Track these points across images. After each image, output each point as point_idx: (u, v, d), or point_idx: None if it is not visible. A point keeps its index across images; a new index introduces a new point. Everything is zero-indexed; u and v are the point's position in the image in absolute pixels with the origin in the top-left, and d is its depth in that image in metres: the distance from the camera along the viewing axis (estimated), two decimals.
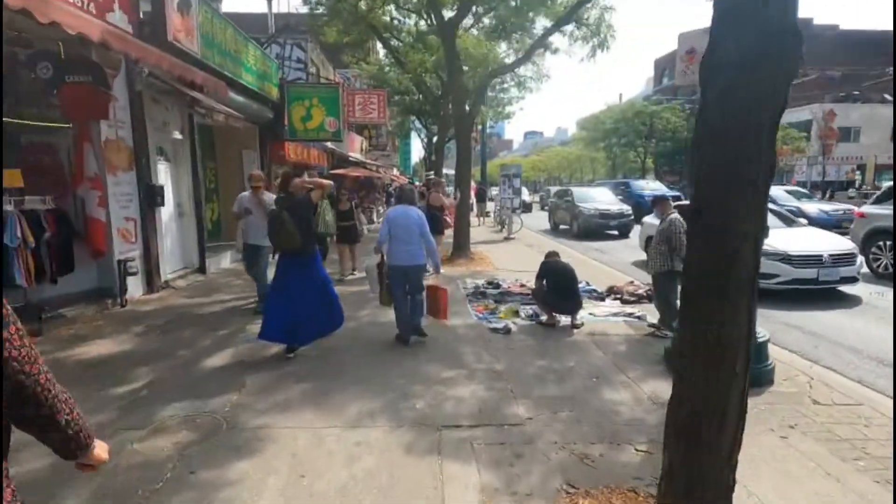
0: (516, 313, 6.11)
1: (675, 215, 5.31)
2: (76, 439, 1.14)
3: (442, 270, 9.00)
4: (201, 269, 8.61)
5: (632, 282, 7.71)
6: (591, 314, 6.11)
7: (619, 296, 7.06)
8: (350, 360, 4.58)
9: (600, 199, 17.06)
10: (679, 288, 5.43)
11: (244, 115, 10.00)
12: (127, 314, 6.05)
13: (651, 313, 6.03)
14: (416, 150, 60.27)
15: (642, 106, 32.37)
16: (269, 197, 5.64)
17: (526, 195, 25.60)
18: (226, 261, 9.84)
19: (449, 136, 29.04)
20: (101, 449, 1.23)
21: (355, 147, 23.72)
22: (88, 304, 5.95)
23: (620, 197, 18.64)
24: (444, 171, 25.19)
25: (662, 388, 3.99)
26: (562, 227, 18.33)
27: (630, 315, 6.15)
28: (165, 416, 3.42)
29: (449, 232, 10.80)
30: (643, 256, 11.17)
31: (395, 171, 31.79)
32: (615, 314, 6.22)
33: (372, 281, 5.36)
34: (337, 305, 4.70)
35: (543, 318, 5.80)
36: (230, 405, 3.60)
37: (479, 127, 28.30)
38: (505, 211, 15.04)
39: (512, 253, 11.64)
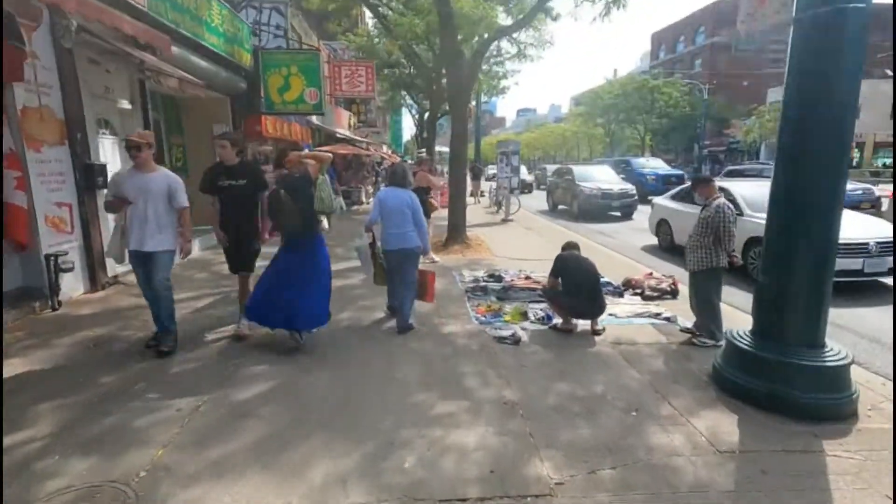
0: (524, 315, 5.17)
1: (722, 200, 4.34)
2: None
3: (437, 258, 8.14)
4: None
5: (651, 273, 6.79)
6: (611, 315, 5.18)
7: (638, 290, 6.14)
8: (320, 385, 3.63)
9: (602, 177, 16.10)
10: (721, 287, 4.58)
11: (210, 83, 8.80)
12: (58, 319, 5.03)
13: (680, 313, 5.13)
14: (409, 128, 58.66)
15: (643, 80, 30.98)
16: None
17: (525, 174, 24.30)
18: (194, 249, 8.77)
19: (441, 111, 27.78)
20: None
21: (343, 123, 22.43)
22: (10, 308, 4.91)
23: (623, 176, 17.68)
24: (437, 148, 23.99)
25: (722, 425, 3.10)
26: (560, 207, 17.41)
27: (657, 316, 5.24)
28: (53, 488, 2.46)
29: (441, 216, 9.77)
30: (653, 241, 10.30)
31: (386, 149, 30.44)
32: (639, 314, 5.31)
33: (364, 262, 5.10)
34: (326, 299, 4.38)
35: (558, 322, 4.86)
36: (150, 465, 2.64)
37: (473, 102, 27.08)
38: (502, 191, 14.01)
39: (511, 237, 10.68)
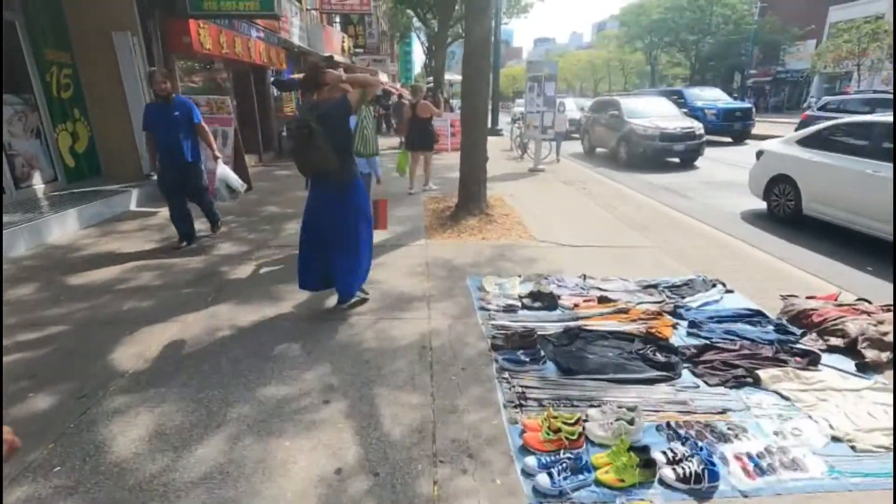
0: (645, 464, 2.13)
1: None
2: None
3: (440, 242, 5.24)
4: None
5: (835, 295, 3.72)
6: (832, 433, 2.22)
7: (834, 338, 3.11)
8: None
9: (658, 112, 12.54)
10: None
11: None
12: None
13: None
14: (420, 59, 53.12)
15: None
16: None
17: (573, 109, 18.04)
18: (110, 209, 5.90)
19: (453, 35, 23.43)
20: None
21: (334, 46, 18.49)
22: None
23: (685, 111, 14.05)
24: (447, 77, 20.18)
25: None
26: (599, 150, 14.05)
27: None
28: None
29: (448, 163, 6.62)
30: (757, 204, 7.13)
31: (387, 79, 26.34)
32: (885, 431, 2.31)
33: None
34: (367, 254, 3.50)
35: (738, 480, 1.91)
36: None
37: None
38: (531, 132, 10.59)
39: (548, 200, 7.53)
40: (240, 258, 4.79)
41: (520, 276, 4.12)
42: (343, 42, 20.01)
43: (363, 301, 3.68)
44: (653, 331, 3.15)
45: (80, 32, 6.86)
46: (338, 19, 22.48)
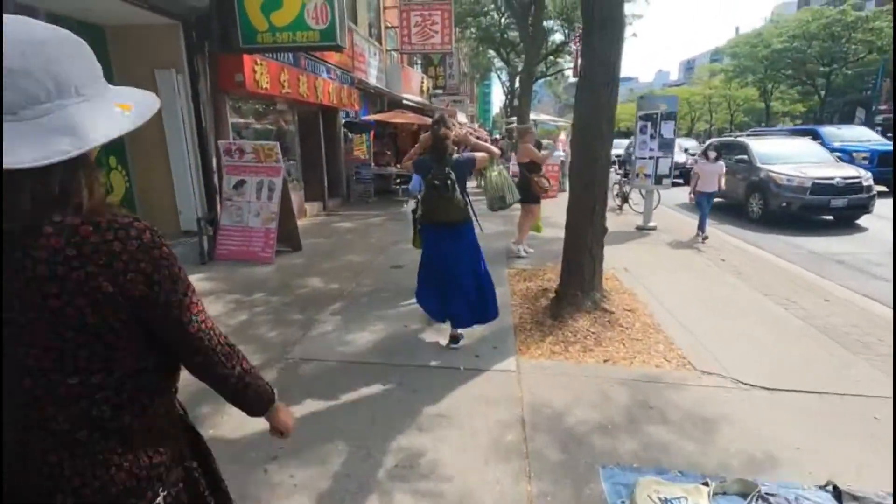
0: None
1: None
2: (252, 391, 1.03)
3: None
4: None
5: None
6: None
7: None
8: None
9: (802, 156, 10.05)
10: None
11: None
12: None
13: None
14: (498, 99, 52.52)
15: (839, 13, 21.80)
16: None
17: (677, 152, 14.69)
18: None
19: (538, 74, 22.07)
20: (285, 413, 1.15)
21: (413, 86, 17.69)
22: None
23: (838, 156, 11.35)
24: (532, 116, 18.67)
25: None
26: (716, 200, 11.62)
27: None
28: None
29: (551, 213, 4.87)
30: None
31: (465, 119, 25.33)
32: None
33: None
34: (491, 290, 3.68)
35: None
36: None
37: (576, 46, 20.76)
38: (640, 182, 8.56)
39: (683, 278, 5.45)
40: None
41: (706, 482, 2.17)
42: (422, 82, 19.25)
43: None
44: None
45: (123, 70, 6.02)
46: (419, 60, 21.97)
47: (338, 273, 5.68)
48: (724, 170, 7.83)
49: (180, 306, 0.87)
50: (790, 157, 9.92)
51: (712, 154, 7.86)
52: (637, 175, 8.62)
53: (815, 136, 14.28)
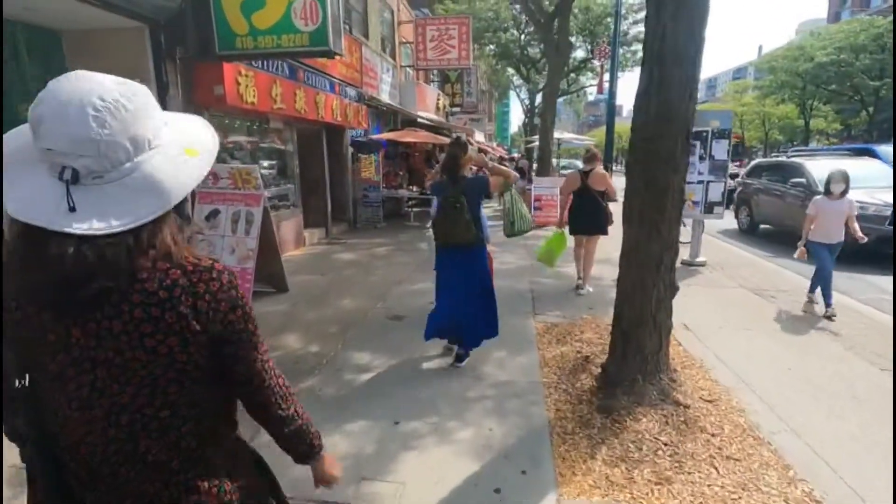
0: None
1: None
2: (303, 434, 1.06)
3: None
4: None
5: None
6: None
7: None
8: None
9: (870, 181, 8.75)
10: None
11: None
12: None
13: None
14: (517, 117, 51.60)
15: (890, 23, 20.28)
16: None
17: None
18: None
19: (560, 91, 21.03)
20: (331, 463, 1.15)
21: (428, 104, 16.76)
22: None
23: None
24: (556, 135, 17.58)
25: None
26: (764, 226, 10.53)
27: None
28: None
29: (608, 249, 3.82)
30: None
31: (483, 138, 24.34)
32: None
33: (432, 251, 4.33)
34: (494, 309, 3.74)
35: None
36: None
37: (603, 63, 19.63)
38: (687, 210, 7.37)
39: (763, 343, 4.20)
40: None
41: None
42: (438, 100, 18.36)
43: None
44: None
45: None
46: (436, 77, 21.19)
47: (323, 328, 4.58)
48: (856, 210, 5.26)
49: (249, 343, 0.93)
50: (857, 181, 8.51)
51: (838, 187, 5.14)
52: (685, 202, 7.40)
53: (872, 155, 12.95)
